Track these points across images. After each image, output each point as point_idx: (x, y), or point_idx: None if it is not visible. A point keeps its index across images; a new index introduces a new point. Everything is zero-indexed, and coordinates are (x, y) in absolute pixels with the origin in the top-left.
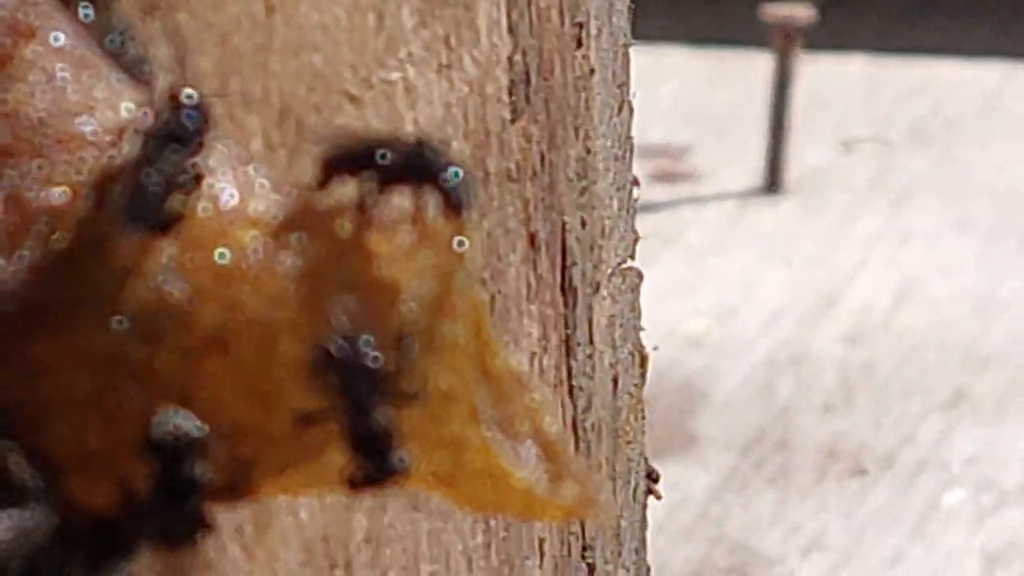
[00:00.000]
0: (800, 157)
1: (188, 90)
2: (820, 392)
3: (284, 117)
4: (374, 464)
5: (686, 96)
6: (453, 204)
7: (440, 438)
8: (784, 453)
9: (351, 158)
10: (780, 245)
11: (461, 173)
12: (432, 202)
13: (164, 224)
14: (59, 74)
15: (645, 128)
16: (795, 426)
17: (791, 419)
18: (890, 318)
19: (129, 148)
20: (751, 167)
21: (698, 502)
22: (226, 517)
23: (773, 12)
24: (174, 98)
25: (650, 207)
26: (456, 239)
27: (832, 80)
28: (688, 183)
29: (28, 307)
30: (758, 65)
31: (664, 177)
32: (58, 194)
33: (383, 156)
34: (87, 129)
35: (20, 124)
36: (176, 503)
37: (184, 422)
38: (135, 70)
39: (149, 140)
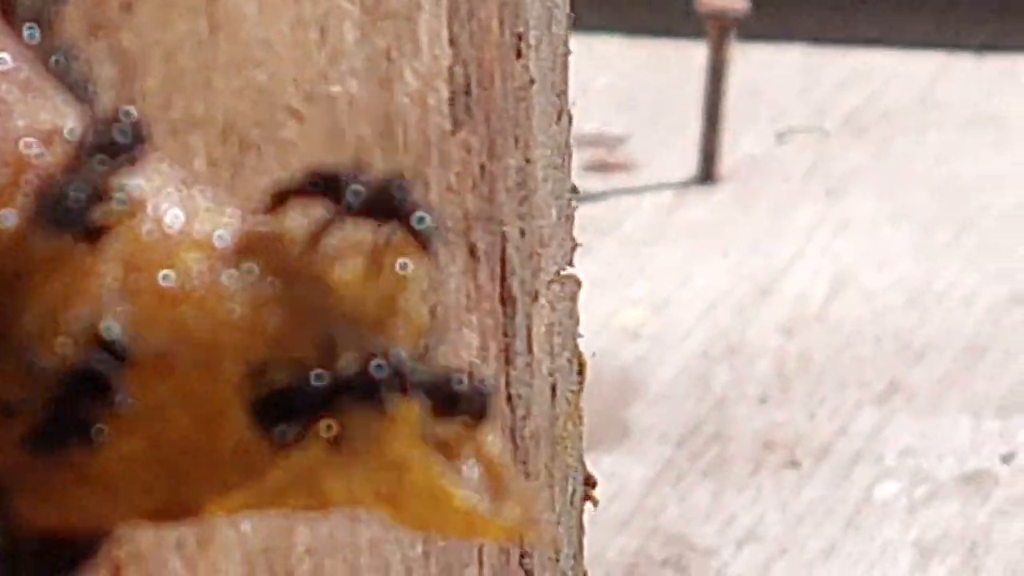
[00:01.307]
0: (736, 147)
1: (127, 107)
2: (755, 383)
3: (227, 134)
4: None
5: (621, 86)
6: (421, 244)
7: (382, 458)
8: (719, 445)
9: (313, 186)
10: (716, 235)
11: (428, 219)
12: (393, 238)
13: (87, 233)
14: (5, 97)
15: (580, 118)
16: (730, 417)
17: (726, 410)
18: (825, 309)
19: (53, 157)
20: (687, 157)
21: (633, 494)
22: (168, 532)
23: (708, 2)
24: (114, 115)
25: (585, 197)
26: (400, 261)
27: (767, 70)
28: (623, 173)
29: None
30: (693, 55)
31: (599, 167)
32: (4, 216)
33: (350, 191)
34: (33, 152)
35: None
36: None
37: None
38: (79, 90)
39: (78, 150)
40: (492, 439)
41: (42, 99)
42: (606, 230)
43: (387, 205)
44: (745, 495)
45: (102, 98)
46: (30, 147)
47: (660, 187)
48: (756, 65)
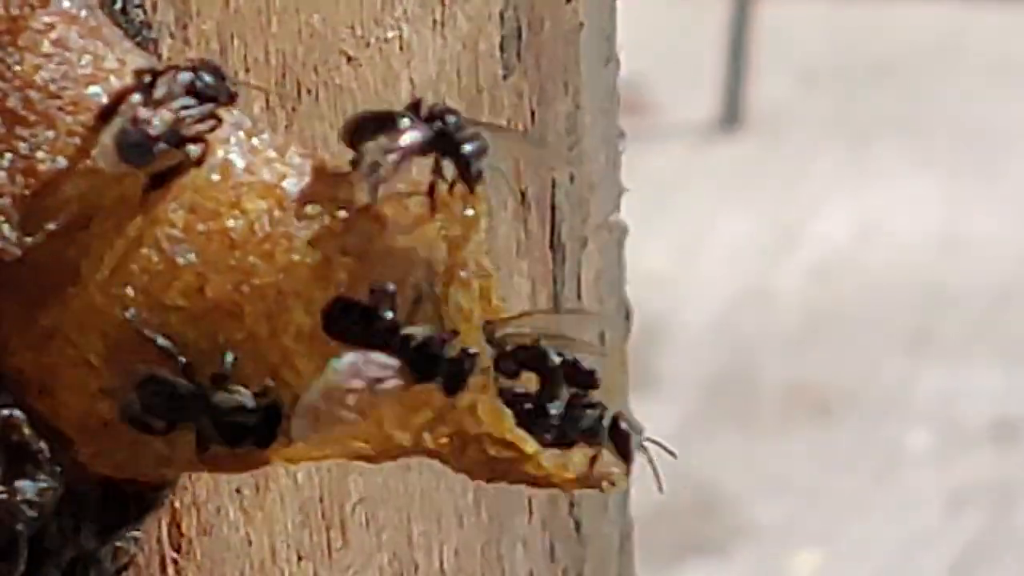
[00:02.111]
0: (760, 91)
1: (213, 61)
2: (783, 330)
3: (284, 78)
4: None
5: (644, 27)
6: (471, 176)
7: (451, 405)
8: (748, 392)
9: (373, 127)
10: (741, 180)
11: (480, 146)
12: (450, 173)
13: (158, 176)
14: (70, 43)
15: None
16: (758, 365)
17: (754, 358)
18: (853, 255)
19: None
20: (710, 100)
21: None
22: (225, 480)
23: None
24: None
25: None
26: (465, 208)
27: (792, 14)
28: (646, 115)
29: (39, 275)
30: None
31: (622, 110)
32: (69, 162)
33: (404, 124)
34: (97, 97)
35: (31, 93)
36: None
37: None
38: (139, 35)
39: (150, 95)
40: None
41: (105, 46)
42: (629, 174)
43: (444, 141)
44: (774, 443)
45: (161, 42)
46: (95, 93)
47: (683, 130)
48: (781, 9)
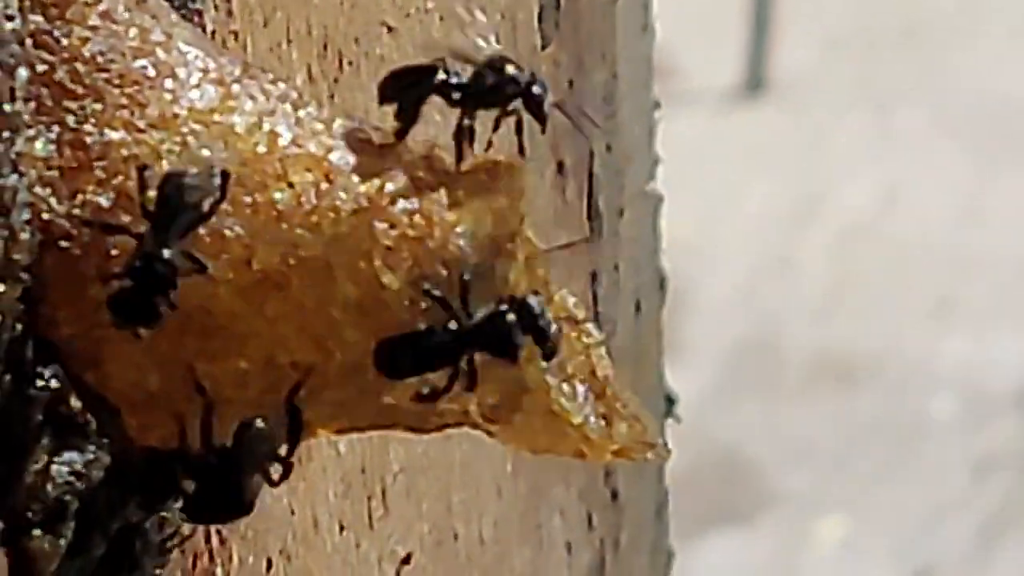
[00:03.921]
0: (783, 56)
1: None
2: (807, 298)
3: (326, 50)
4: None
5: None
6: (544, 116)
7: (499, 378)
8: (772, 360)
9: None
10: (764, 147)
11: (546, 86)
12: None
13: None
14: (117, 16)
15: None
16: (782, 333)
17: (778, 326)
18: (877, 224)
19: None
20: (733, 65)
21: (686, 409)
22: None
23: None
24: None
25: None
26: (511, 179)
27: None
28: (670, 82)
29: (88, 245)
30: None
31: None
32: (117, 136)
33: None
34: (144, 70)
35: (79, 66)
36: None
37: None
38: (184, 7)
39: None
40: (603, 360)
41: (152, 16)
42: None
43: (513, 82)
44: (798, 410)
45: (205, 14)
46: (143, 66)
47: (707, 96)
48: None
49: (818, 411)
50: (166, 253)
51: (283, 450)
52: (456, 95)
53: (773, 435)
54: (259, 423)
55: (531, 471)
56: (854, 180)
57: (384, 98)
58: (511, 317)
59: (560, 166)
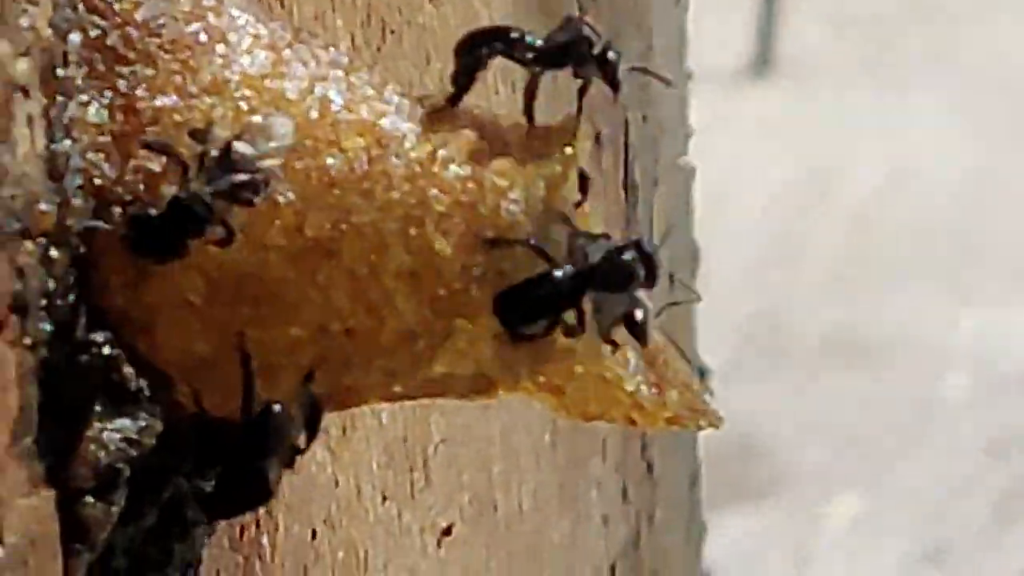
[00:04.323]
0: (792, 34)
1: None
2: (818, 277)
3: (369, 18)
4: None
5: None
6: (617, 82)
7: (552, 345)
8: (784, 339)
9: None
10: (774, 126)
11: (619, 53)
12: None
13: None
14: None
15: None
16: (794, 311)
17: (791, 304)
18: (889, 201)
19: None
20: (742, 44)
21: None
22: None
23: None
24: None
25: None
26: (565, 146)
27: None
28: None
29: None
30: None
31: None
32: (169, 102)
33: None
34: (196, 35)
35: (131, 31)
36: None
37: None
38: None
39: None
40: (655, 330)
41: None
42: None
43: (571, 50)
44: (811, 389)
45: None
46: (196, 32)
47: (716, 74)
48: None
49: (831, 389)
50: (207, 197)
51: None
52: (529, 55)
53: (787, 413)
54: (277, 407)
55: (569, 442)
56: (865, 158)
57: (460, 60)
58: (630, 254)
59: (597, 137)
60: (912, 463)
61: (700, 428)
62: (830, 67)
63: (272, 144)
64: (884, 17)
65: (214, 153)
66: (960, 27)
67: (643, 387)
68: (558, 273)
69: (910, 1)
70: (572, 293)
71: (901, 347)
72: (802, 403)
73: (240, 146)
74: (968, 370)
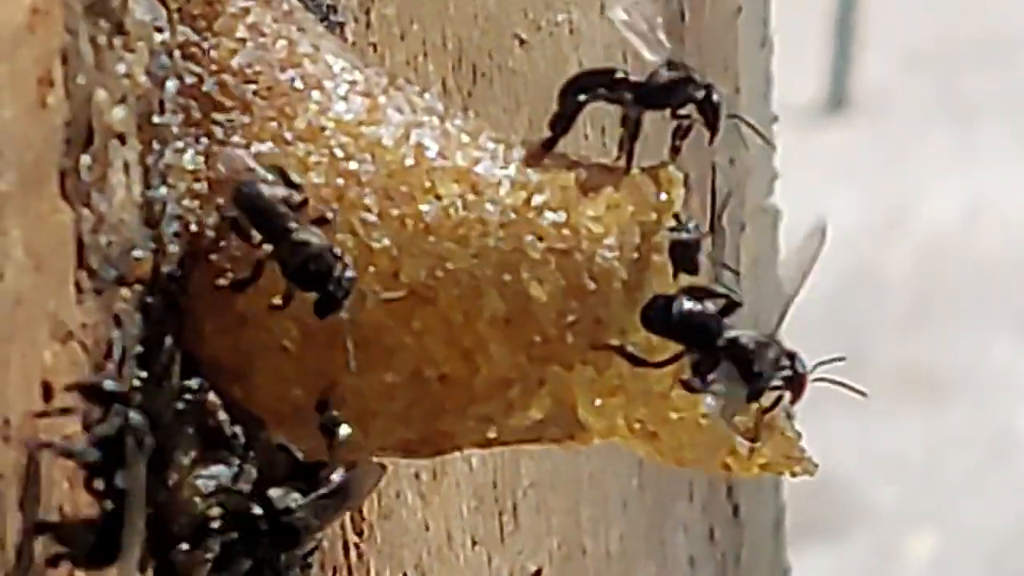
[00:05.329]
0: (866, 72)
1: None
2: (892, 312)
3: (460, 62)
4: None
5: None
6: (718, 125)
7: (645, 391)
8: (857, 374)
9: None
10: (849, 161)
11: (723, 96)
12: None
13: None
14: (264, 27)
15: None
16: (868, 346)
17: (864, 339)
18: (961, 237)
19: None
20: (816, 82)
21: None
22: (404, 464)
23: None
24: None
25: None
26: (660, 192)
27: None
28: None
29: (235, 258)
30: None
31: None
32: (265, 148)
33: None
34: (292, 82)
35: (227, 78)
36: None
37: None
38: (326, 19)
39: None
40: None
41: (299, 28)
42: None
43: (694, 85)
44: (885, 425)
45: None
46: (291, 79)
47: (790, 112)
48: None
49: (906, 425)
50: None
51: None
52: (629, 95)
53: (862, 449)
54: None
55: (656, 486)
56: (938, 194)
57: (564, 103)
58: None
59: (684, 179)
60: (988, 498)
61: (795, 475)
62: (904, 104)
63: None
64: (955, 53)
65: None
66: None
67: (735, 434)
68: (720, 320)
69: (980, 37)
70: (714, 344)
71: (975, 382)
72: (877, 439)
73: None
74: None
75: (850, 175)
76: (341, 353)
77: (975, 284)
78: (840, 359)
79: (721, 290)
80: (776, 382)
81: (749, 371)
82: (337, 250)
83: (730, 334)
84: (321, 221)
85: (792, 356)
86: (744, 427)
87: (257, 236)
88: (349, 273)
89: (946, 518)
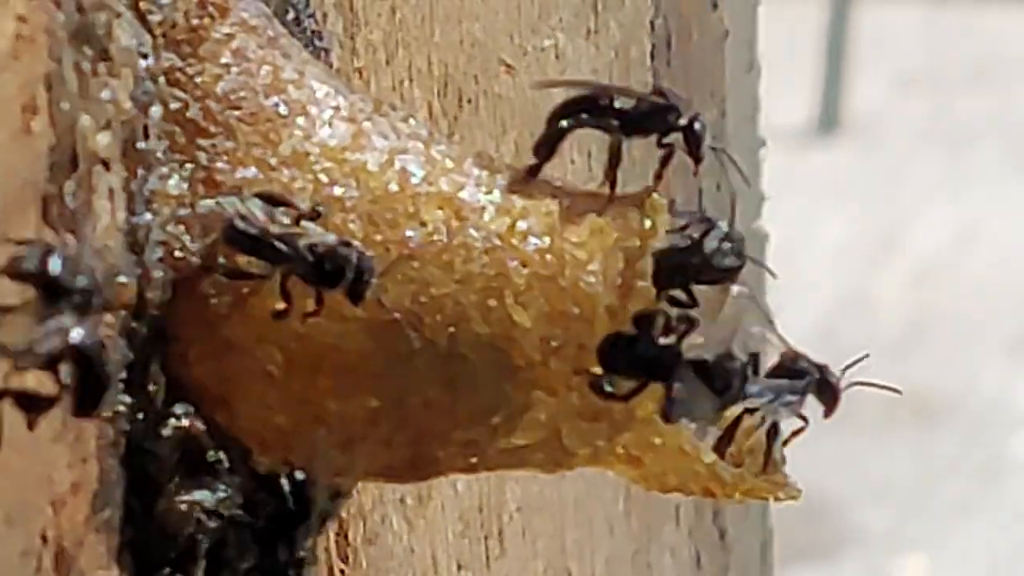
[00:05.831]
0: (857, 95)
1: None
2: (884, 336)
3: (446, 87)
4: None
5: None
6: (700, 154)
7: (629, 416)
8: (849, 397)
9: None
10: (840, 185)
11: (705, 126)
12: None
13: None
14: (249, 53)
15: None
16: (859, 370)
17: (855, 365)
18: (953, 261)
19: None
20: (808, 105)
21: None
22: (390, 489)
23: None
24: None
25: None
26: (643, 219)
27: (890, 18)
28: None
29: (220, 284)
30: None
31: None
32: (250, 174)
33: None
34: (276, 108)
35: (211, 103)
36: None
37: None
38: (310, 44)
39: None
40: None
41: (283, 54)
42: None
43: (673, 113)
44: (877, 448)
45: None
46: (276, 104)
47: (781, 134)
48: (877, 12)
49: (897, 449)
50: None
51: None
52: (615, 122)
53: (853, 473)
54: None
55: (643, 510)
56: (929, 217)
57: (549, 129)
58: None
59: (671, 206)
60: (978, 523)
61: (779, 500)
62: (895, 127)
63: None
64: (947, 76)
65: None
66: (1020, 89)
67: (719, 460)
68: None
69: (972, 61)
70: (671, 369)
71: (967, 407)
72: (868, 462)
73: None
74: None
75: (841, 198)
76: (325, 379)
77: (967, 308)
78: (865, 357)
79: (675, 313)
80: (771, 396)
81: (714, 386)
82: (343, 238)
83: (689, 356)
84: (315, 215)
85: (822, 368)
86: (729, 453)
87: (263, 264)
88: (366, 253)
89: (937, 542)
